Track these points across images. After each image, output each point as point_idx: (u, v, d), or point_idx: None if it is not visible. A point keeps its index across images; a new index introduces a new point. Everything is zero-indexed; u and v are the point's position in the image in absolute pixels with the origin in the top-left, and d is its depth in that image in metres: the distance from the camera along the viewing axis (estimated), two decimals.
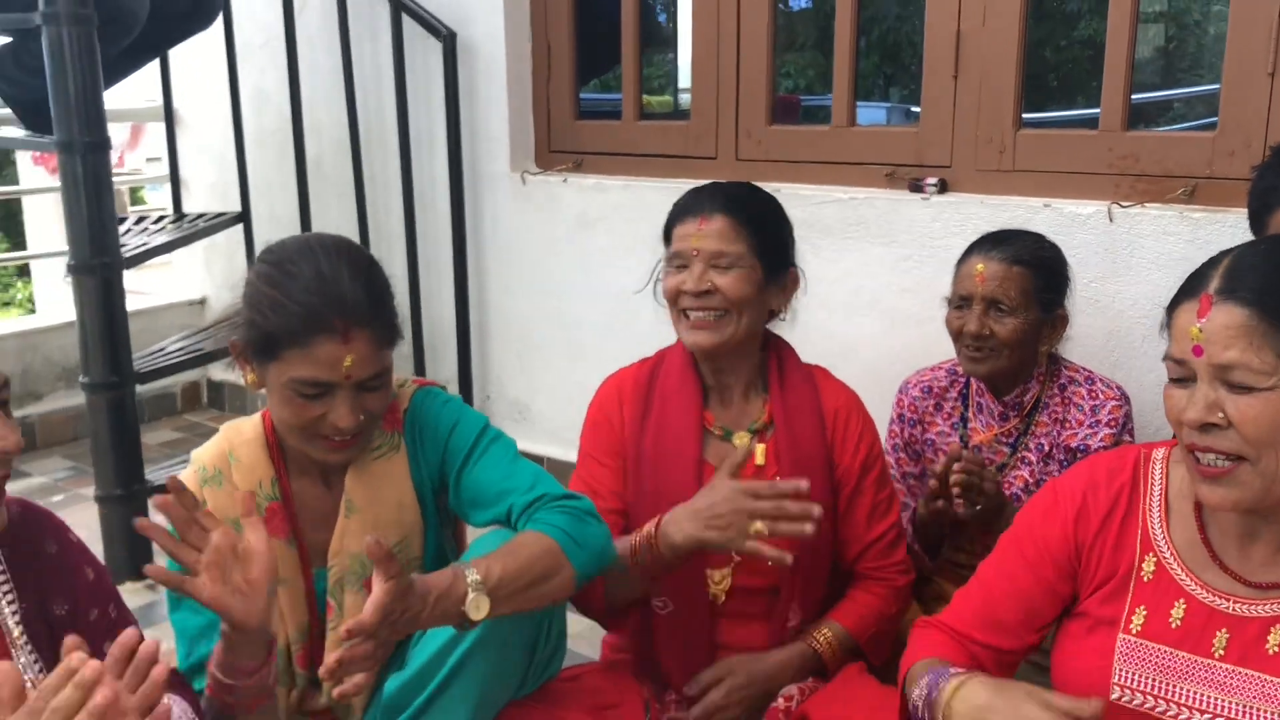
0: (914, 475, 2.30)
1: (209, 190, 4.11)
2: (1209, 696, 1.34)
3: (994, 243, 2.14)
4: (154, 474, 2.96)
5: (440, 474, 1.76)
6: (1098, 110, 2.46)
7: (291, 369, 1.58)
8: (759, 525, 1.69)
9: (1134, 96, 2.50)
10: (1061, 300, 2.13)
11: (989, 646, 1.51)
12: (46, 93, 2.89)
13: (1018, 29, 2.51)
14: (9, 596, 1.36)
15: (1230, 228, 2.21)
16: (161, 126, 4.03)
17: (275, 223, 3.87)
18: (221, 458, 1.72)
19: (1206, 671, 1.35)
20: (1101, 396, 2.12)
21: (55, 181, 4.99)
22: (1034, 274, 2.08)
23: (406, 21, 3.33)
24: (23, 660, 1.34)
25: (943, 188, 2.65)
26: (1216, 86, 2.39)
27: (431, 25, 3.27)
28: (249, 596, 1.42)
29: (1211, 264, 1.31)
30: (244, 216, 3.69)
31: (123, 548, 2.82)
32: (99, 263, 2.68)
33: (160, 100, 3.97)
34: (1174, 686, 1.36)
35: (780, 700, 1.85)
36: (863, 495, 1.95)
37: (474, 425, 1.76)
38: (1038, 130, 2.59)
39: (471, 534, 1.89)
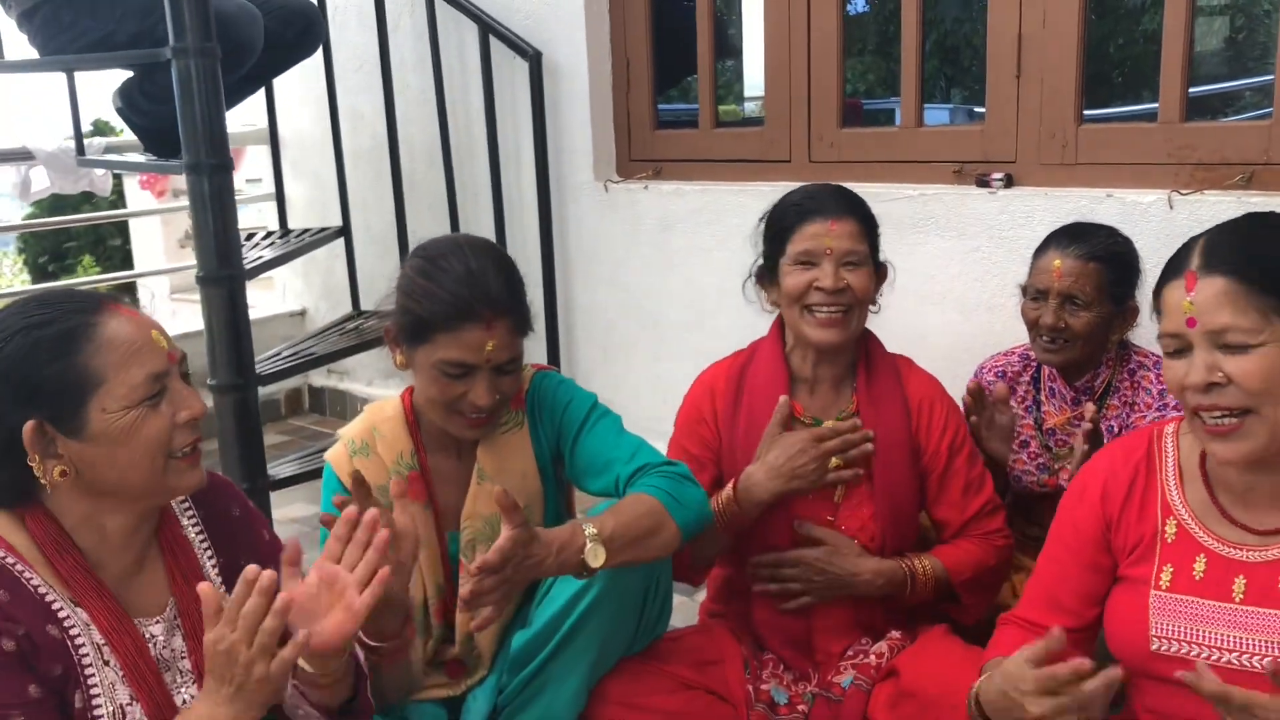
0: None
1: (307, 207, 4.36)
2: (1234, 637, 1.47)
3: (1070, 238, 2.24)
4: (272, 469, 3.19)
5: (556, 446, 1.96)
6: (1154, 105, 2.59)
7: (440, 351, 1.79)
8: (836, 459, 1.87)
9: (1203, 88, 2.62)
10: (1133, 293, 2.23)
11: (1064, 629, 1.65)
12: (170, 121, 3.15)
13: (1077, 28, 2.64)
14: (208, 551, 1.57)
15: None
16: (258, 149, 4.29)
17: (371, 236, 4.12)
18: (367, 432, 1.94)
19: (1229, 615, 1.48)
20: None
21: (160, 204, 5.33)
22: (1108, 269, 2.19)
23: (494, 43, 3.54)
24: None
25: (1008, 182, 2.78)
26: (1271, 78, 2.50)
27: (518, 46, 3.48)
28: (396, 574, 1.58)
29: (1187, 247, 1.46)
30: (345, 231, 3.92)
31: None
32: (225, 274, 2.91)
33: (259, 124, 4.23)
34: (1203, 632, 1.49)
35: (872, 657, 2.01)
36: (955, 475, 2.08)
37: (585, 402, 1.97)
38: (1098, 124, 2.72)
39: (580, 506, 2.09)
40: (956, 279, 2.86)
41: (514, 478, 1.92)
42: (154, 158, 3.37)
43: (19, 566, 1.39)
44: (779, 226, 2.10)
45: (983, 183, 2.81)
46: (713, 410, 2.16)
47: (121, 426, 1.38)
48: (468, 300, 1.77)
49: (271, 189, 4.26)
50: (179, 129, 2.86)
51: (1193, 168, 2.52)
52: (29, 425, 1.36)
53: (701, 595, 2.36)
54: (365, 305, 4.04)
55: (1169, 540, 1.56)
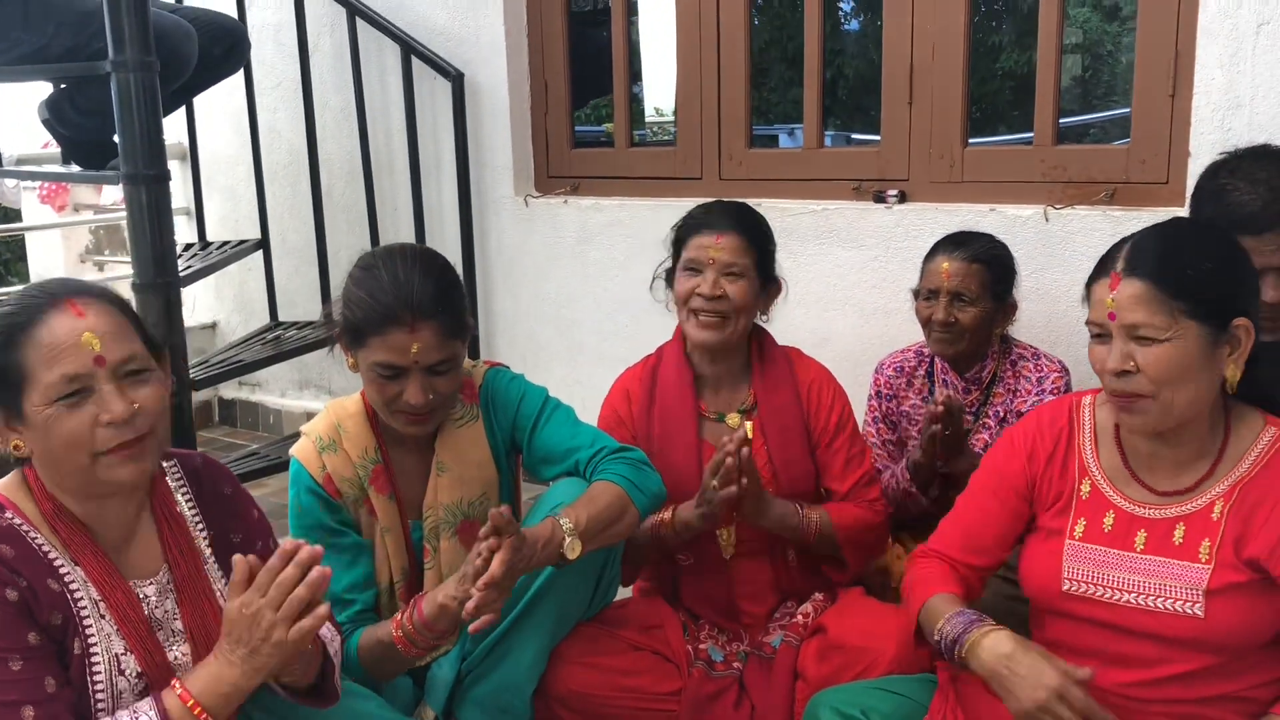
0: (892, 442, 2.69)
1: (221, 223, 4.41)
2: (1134, 581, 1.71)
3: (955, 244, 2.54)
4: None
5: (511, 438, 2.13)
6: (1020, 135, 2.89)
7: (373, 354, 1.94)
8: (714, 483, 2.07)
9: (1073, 120, 2.94)
10: (1011, 290, 2.54)
11: (973, 567, 1.88)
12: (96, 133, 3.22)
13: (962, 60, 2.95)
14: (200, 525, 1.69)
15: (1144, 223, 2.60)
16: (173, 164, 4.32)
17: (288, 249, 4.21)
18: (332, 429, 2.08)
19: (1131, 562, 1.72)
20: (1045, 369, 2.53)
21: (61, 218, 5.28)
22: (989, 269, 2.49)
23: (416, 63, 3.70)
24: (211, 574, 1.67)
25: (902, 198, 3.07)
26: (1128, 110, 2.83)
27: (441, 67, 3.64)
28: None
29: (1116, 248, 1.70)
30: (263, 244, 4.00)
31: None
32: (162, 282, 2.99)
33: (174, 139, 4.27)
34: (1108, 576, 1.73)
35: (799, 616, 2.23)
36: (839, 450, 2.31)
37: (538, 396, 2.14)
38: (982, 146, 3.03)
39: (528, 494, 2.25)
40: (856, 286, 3.13)
41: (471, 468, 2.08)
42: (86, 170, 3.41)
43: (24, 526, 1.50)
44: (678, 235, 2.35)
45: (879, 199, 3.09)
46: (629, 412, 2.37)
47: (43, 421, 1.47)
48: (392, 306, 1.90)
49: (183, 203, 4.31)
50: (118, 141, 2.93)
51: (1064, 185, 2.84)
52: None
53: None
54: (283, 317, 4.12)
55: (1083, 497, 1.80)
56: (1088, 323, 1.71)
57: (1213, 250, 1.68)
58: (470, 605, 1.76)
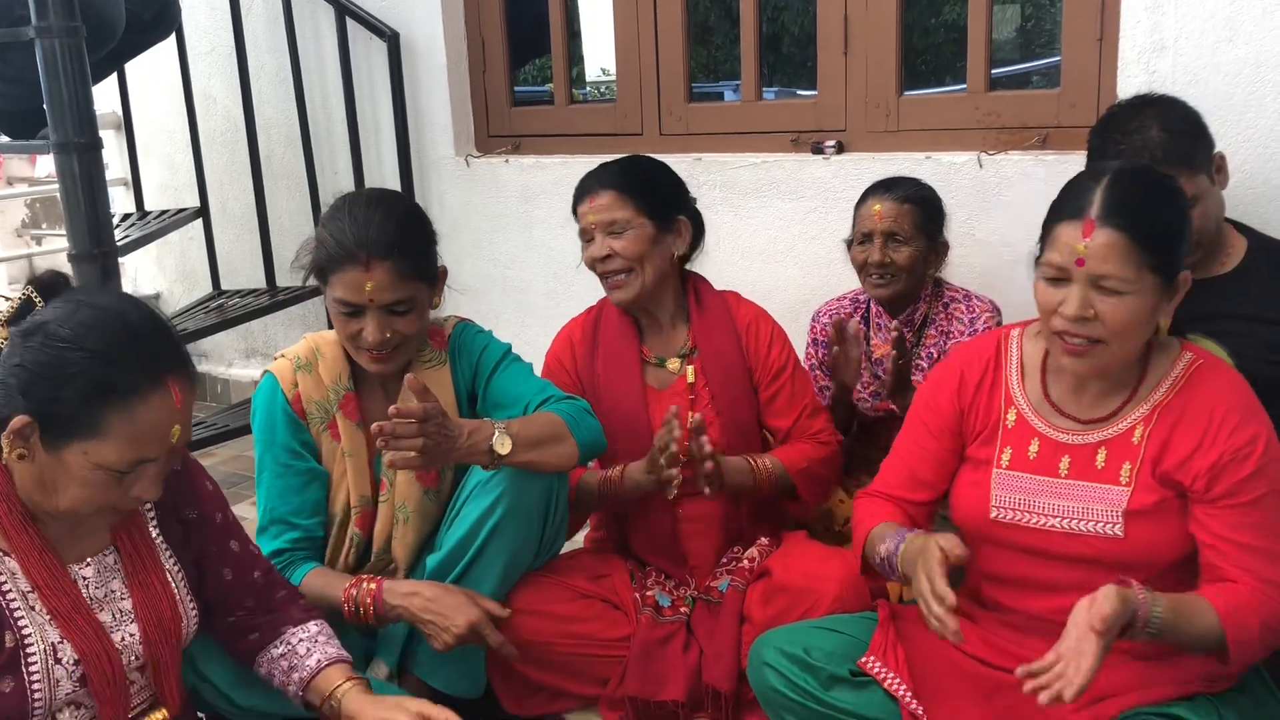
0: (827, 388, 2.73)
1: (160, 191, 4.36)
2: (1059, 505, 1.77)
3: (885, 187, 2.58)
4: None
5: (472, 385, 2.17)
6: (963, 86, 2.94)
7: (334, 291, 2.00)
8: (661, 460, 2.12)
9: (999, 70, 2.98)
10: (942, 230, 2.59)
11: (917, 503, 1.94)
12: (23, 102, 3.16)
13: (896, 10, 2.96)
14: (148, 507, 1.68)
15: (1076, 166, 2.66)
16: (107, 134, 4.26)
17: (229, 217, 4.17)
18: (310, 352, 2.13)
19: (1055, 487, 1.78)
20: (977, 310, 2.58)
21: None
22: (920, 209, 2.54)
23: (350, 24, 3.65)
24: (159, 552, 1.66)
25: (840, 149, 3.09)
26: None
27: (375, 27, 3.61)
28: None
29: (1087, 190, 1.66)
30: (203, 212, 3.95)
31: None
32: (99, 252, 2.95)
33: (107, 108, 4.20)
34: (1034, 502, 1.79)
35: (745, 561, 2.27)
36: (782, 386, 2.35)
37: (499, 349, 2.20)
38: (917, 94, 3.06)
39: None
40: (797, 238, 3.16)
41: None
42: (12, 140, 3.35)
43: None
44: (573, 208, 2.38)
45: (817, 150, 3.12)
46: (573, 359, 2.41)
47: (85, 474, 1.46)
48: (348, 245, 1.97)
49: (120, 173, 4.24)
50: (46, 109, 2.88)
51: (997, 132, 2.88)
52: (22, 419, 1.43)
53: (583, 533, 2.59)
54: (225, 285, 4.08)
55: (1009, 426, 1.85)
56: (1046, 263, 1.70)
57: (1173, 201, 1.70)
58: (379, 425, 1.82)
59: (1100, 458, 1.76)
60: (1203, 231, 2.17)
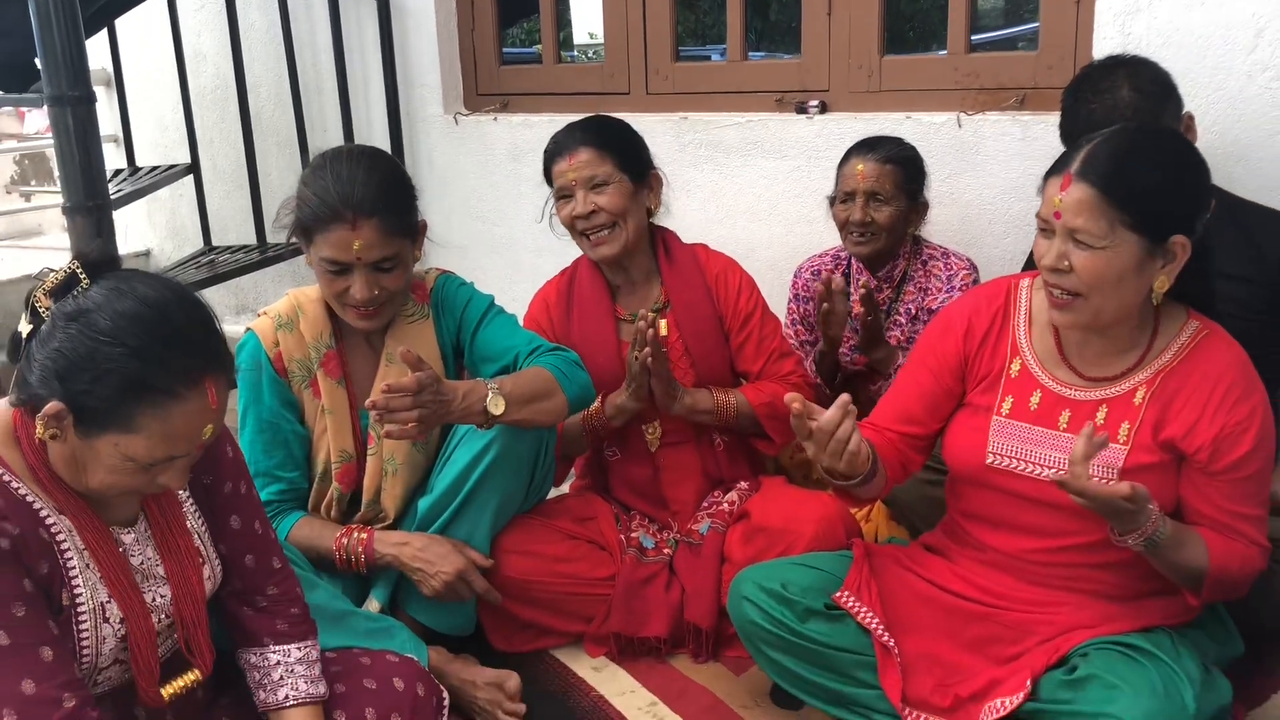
0: (809, 342, 2.81)
1: (150, 147, 4.38)
2: (1054, 457, 1.81)
3: (868, 147, 2.64)
4: None
5: (457, 338, 2.21)
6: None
7: (320, 250, 2.02)
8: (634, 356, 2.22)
9: (985, 36, 3.03)
10: (923, 189, 2.65)
11: (904, 435, 1.99)
12: (19, 56, 3.18)
13: None
14: None
15: (1053, 127, 2.70)
16: (98, 91, 4.27)
17: (219, 174, 4.20)
18: (291, 310, 2.16)
19: (1053, 440, 1.83)
20: (955, 267, 2.65)
21: None
22: (901, 169, 2.59)
23: None
24: (189, 516, 1.67)
25: (823, 109, 3.15)
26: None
27: None
28: None
29: (1077, 147, 1.73)
30: (194, 168, 3.99)
31: None
32: (93, 204, 2.99)
33: (98, 64, 4.21)
34: (1031, 451, 1.84)
35: (725, 504, 2.35)
36: (750, 332, 2.42)
37: (484, 301, 2.23)
38: (898, 56, 3.12)
39: None
40: (781, 196, 3.22)
41: None
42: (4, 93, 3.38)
43: (11, 480, 1.48)
44: (545, 169, 2.43)
45: (801, 109, 3.17)
46: (549, 321, 2.48)
47: (114, 463, 1.46)
48: (335, 204, 1.99)
49: (112, 130, 4.26)
50: (39, 63, 2.92)
51: (976, 92, 2.94)
52: (56, 405, 1.42)
53: (567, 485, 2.67)
54: (215, 242, 4.12)
55: (1013, 376, 1.91)
56: (1037, 215, 1.77)
57: (1166, 163, 1.72)
58: (373, 402, 1.87)
59: (1101, 414, 1.81)
60: None
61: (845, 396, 1.72)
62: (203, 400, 1.45)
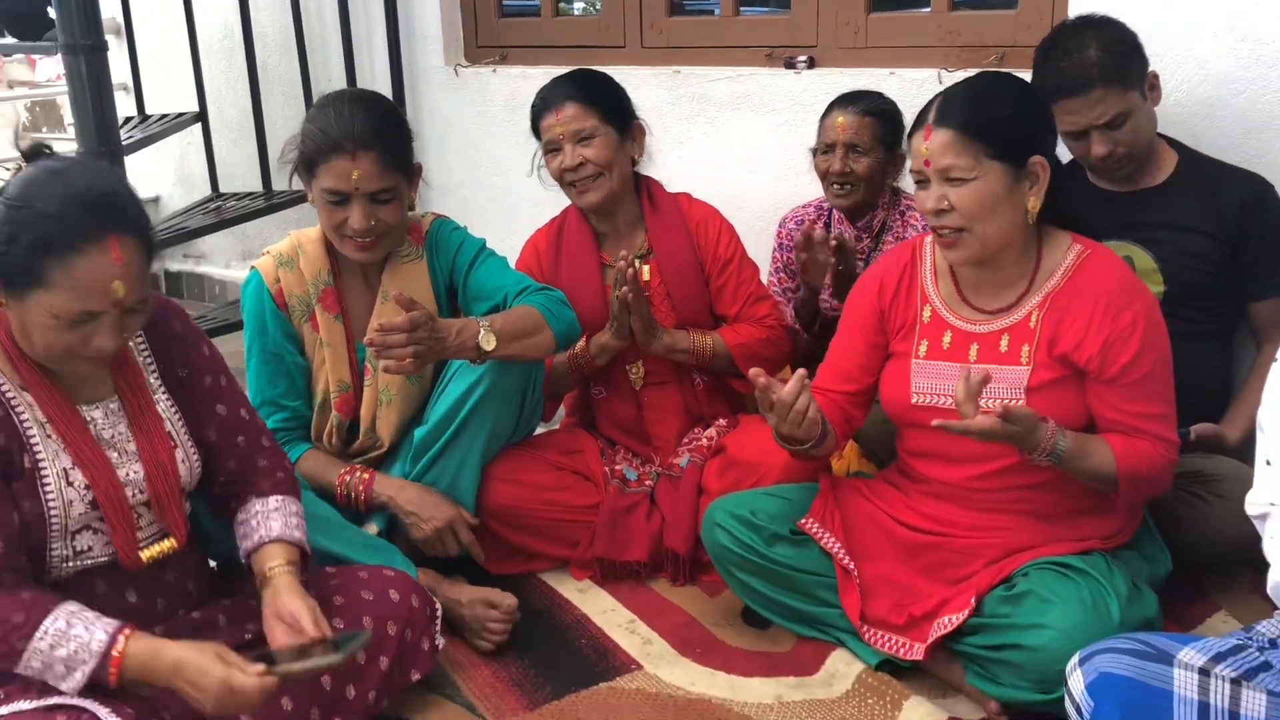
0: (792, 290, 2.92)
1: (158, 97, 4.47)
2: None
3: (849, 100, 2.75)
4: None
5: (450, 278, 2.35)
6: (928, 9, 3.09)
7: (321, 181, 2.16)
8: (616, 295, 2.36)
9: None
10: (900, 142, 2.75)
11: (846, 393, 2.15)
12: (33, 5, 3.29)
13: None
14: (149, 360, 1.84)
15: None
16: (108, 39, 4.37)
17: (226, 123, 4.31)
18: (292, 250, 2.30)
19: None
20: None
21: None
22: (880, 121, 2.70)
23: None
24: (161, 403, 1.82)
25: (811, 64, 3.24)
26: None
27: None
28: None
29: (930, 104, 1.93)
30: (201, 116, 4.10)
31: None
32: (106, 150, 3.13)
33: (108, 14, 4.31)
34: (949, 386, 1.98)
35: (704, 439, 2.49)
36: (729, 276, 2.55)
37: (476, 243, 2.37)
38: (884, 14, 3.21)
39: None
40: (769, 148, 3.32)
41: (415, 298, 2.28)
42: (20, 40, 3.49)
43: None
44: (532, 123, 2.55)
45: (789, 64, 3.27)
46: (539, 265, 2.61)
47: (43, 320, 1.61)
48: (335, 136, 2.13)
49: (121, 79, 4.36)
50: (54, 12, 3.03)
51: (958, 50, 3.03)
52: None
53: (556, 424, 2.82)
54: (223, 189, 4.24)
55: (925, 322, 2.07)
56: (910, 171, 1.96)
57: (1010, 98, 1.94)
58: (370, 339, 2.04)
59: (1004, 342, 1.98)
60: (1134, 145, 2.36)
61: (801, 371, 1.89)
62: (105, 255, 1.57)
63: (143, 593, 1.78)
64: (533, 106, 2.52)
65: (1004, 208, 1.89)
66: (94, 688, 1.59)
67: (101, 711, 1.58)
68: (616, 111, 2.48)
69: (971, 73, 2.89)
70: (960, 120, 1.86)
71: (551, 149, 2.47)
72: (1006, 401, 1.83)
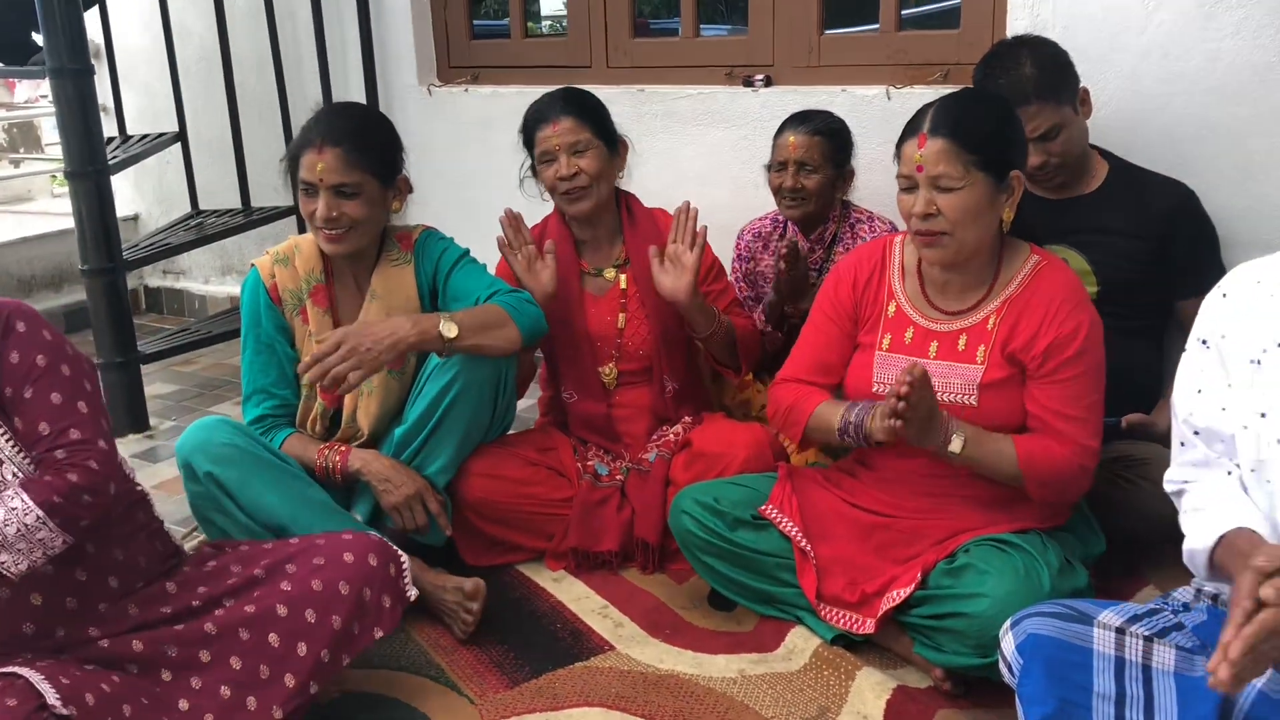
0: (751, 298, 3.08)
1: (138, 118, 4.59)
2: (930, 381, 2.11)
3: (800, 120, 2.91)
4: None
5: (433, 282, 2.49)
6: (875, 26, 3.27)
7: (299, 174, 2.34)
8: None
9: (917, 10, 3.30)
10: (849, 159, 2.92)
11: (824, 385, 2.29)
12: (19, 33, 3.40)
13: None
14: None
15: None
16: None
17: (203, 143, 4.42)
18: (289, 249, 2.47)
19: (925, 367, 2.13)
20: (879, 229, 2.92)
21: None
22: (828, 140, 2.86)
23: None
24: None
25: (768, 82, 3.42)
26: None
27: None
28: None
29: (921, 115, 2.07)
30: (181, 136, 4.21)
31: (123, 408, 3.44)
32: (92, 169, 3.25)
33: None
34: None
35: (671, 435, 2.64)
36: (705, 287, 2.68)
37: (457, 251, 2.54)
38: (836, 33, 3.39)
39: None
40: (729, 163, 3.49)
41: (399, 299, 2.46)
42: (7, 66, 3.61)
43: None
44: (525, 135, 2.71)
45: (748, 83, 3.44)
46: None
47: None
48: (309, 134, 2.33)
49: (102, 100, 4.47)
50: (41, 38, 3.14)
51: (905, 68, 3.22)
52: None
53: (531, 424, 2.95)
54: (203, 206, 4.35)
55: (890, 317, 2.22)
56: (899, 176, 2.09)
57: (995, 114, 2.09)
58: (308, 375, 2.19)
59: (962, 342, 2.13)
60: (1068, 155, 2.54)
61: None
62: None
63: (93, 572, 1.85)
64: (527, 118, 2.67)
65: (985, 216, 2.04)
66: (31, 653, 1.68)
67: (34, 677, 1.65)
68: (606, 129, 2.65)
69: (917, 90, 3.12)
70: (953, 131, 2.00)
71: (546, 159, 2.62)
72: (956, 394, 1.98)
